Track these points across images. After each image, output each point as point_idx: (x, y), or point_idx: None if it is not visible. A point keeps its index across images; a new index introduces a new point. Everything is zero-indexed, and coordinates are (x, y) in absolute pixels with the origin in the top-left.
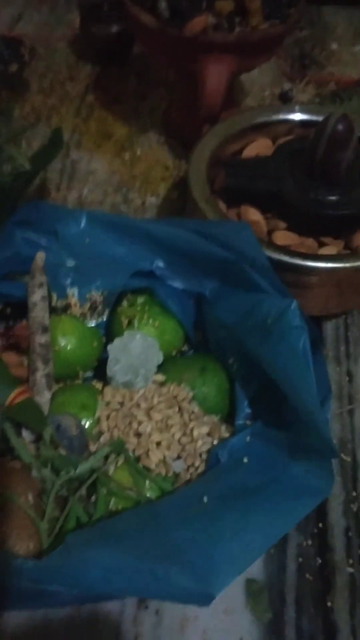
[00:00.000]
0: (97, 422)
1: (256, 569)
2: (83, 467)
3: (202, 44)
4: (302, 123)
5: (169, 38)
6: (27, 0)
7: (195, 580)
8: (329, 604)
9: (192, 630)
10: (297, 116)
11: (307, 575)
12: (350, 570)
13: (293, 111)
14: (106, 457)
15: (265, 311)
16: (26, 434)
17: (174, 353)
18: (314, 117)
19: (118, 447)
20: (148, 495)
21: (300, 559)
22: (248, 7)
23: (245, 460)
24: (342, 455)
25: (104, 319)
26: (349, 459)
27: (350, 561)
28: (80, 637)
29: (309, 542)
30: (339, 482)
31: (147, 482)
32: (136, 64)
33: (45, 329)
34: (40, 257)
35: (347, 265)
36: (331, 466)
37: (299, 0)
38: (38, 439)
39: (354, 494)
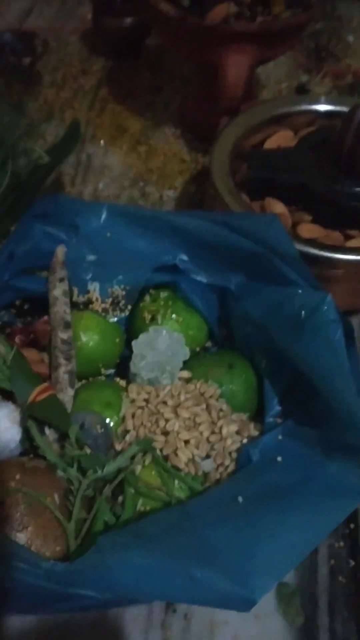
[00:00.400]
0: (122, 420)
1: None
2: (110, 467)
3: (223, 33)
4: (324, 114)
5: (189, 27)
6: None
7: (235, 584)
8: None
9: (222, 635)
10: (320, 107)
11: (340, 578)
12: None
13: (315, 102)
14: (133, 456)
15: (298, 305)
16: (49, 432)
17: (197, 349)
18: (336, 108)
19: (146, 446)
20: (177, 495)
21: (332, 561)
22: None
23: (280, 459)
24: None
25: (126, 315)
26: None
27: None
28: None
29: (341, 543)
30: None
31: (176, 481)
32: (150, 57)
33: (67, 325)
34: (61, 250)
35: None
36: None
37: None
38: (61, 437)
39: None
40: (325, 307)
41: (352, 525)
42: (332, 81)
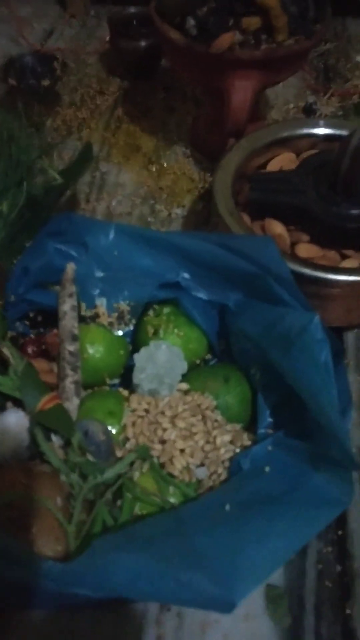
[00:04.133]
0: (123, 428)
1: (276, 575)
2: (110, 473)
3: (229, 60)
4: (325, 137)
5: (196, 55)
6: (59, 15)
7: (218, 587)
8: (347, 611)
9: (213, 634)
10: (321, 130)
11: (327, 582)
12: None
13: (316, 125)
14: (132, 463)
15: (288, 324)
16: (55, 439)
17: (197, 361)
18: (337, 132)
19: (143, 454)
20: (172, 500)
21: (320, 566)
22: (274, 24)
23: (267, 469)
24: None
25: (131, 328)
26: None
27: None
28: (105, 637)
29: (329, 549)
30: (358, 490)
31: (171, 488)
32: (164, 78)
33: (74, 338)
34: (71, 268)
35: None
36: (351, 477)
37: (325, 16)
38: (67, 443)
39: None
40: (313, 328)
41: (340, 532)
42: (339, 101)
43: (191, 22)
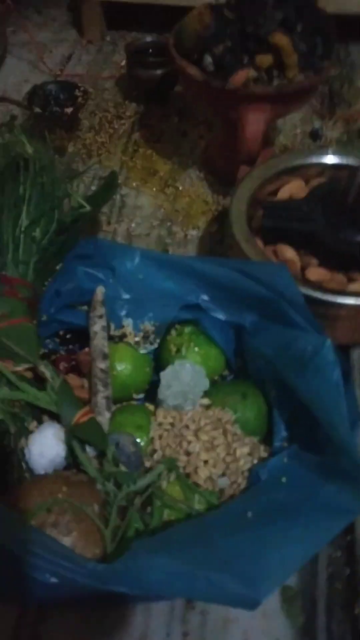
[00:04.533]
0: (151, 441)
1: (291, 577)
2: (141, 482)
3: (244, 95)
4: (333, 165)
5: (213, 89)
6: (76, 40)
7: (244, 587)
8: (356, 610)
9: (234, 631)
10: (329, 159)
11: (337, 584)
12: None
13: (325, 154)
14: (160, 473)
15: (302, 346)
16: (89, 450)
17: (216, 377)
18: (344, 161)
19: (170, 465)
20: (197, 508)
21: (331, 569)
22: (285, 61)
23: (284, 479)
24: None
25: (155, 347)
26: None
27: None
28: (133, 633)
29: (339, 553)
30: None
31: (196, 496)
32: (177, 103)
33: (105, 356)
34: (101, 291)
35: None
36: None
37: (332, 53)
38: (100, 455)
39: None
40: (325, 350)
41: (349, 537)
42: (344, 126)
43: (209, 59)
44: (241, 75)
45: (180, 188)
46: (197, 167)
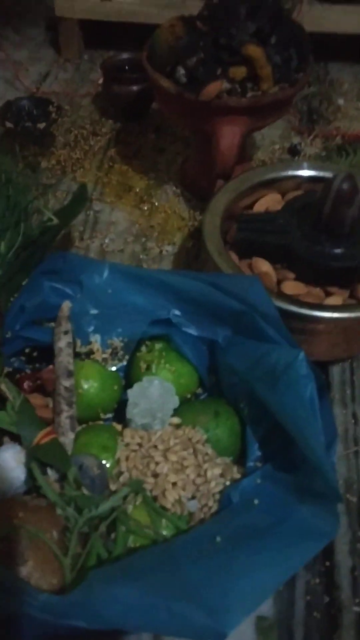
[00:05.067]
0: (117, 462)
1: (266, 606)
2: (104, 506)
3: (217, 107)
4: (309, 179)
5: (186, 101)
6: (54, 59)
7: (209, 618)
8: None
9: None
10: (305, 172)
11: (315, 613)
12: (357, 609)
13: (301, 167)
14: (125, 496)
15: (274, 360)
16: (51, 473)
17: (189, 396)
18: (320, 173)
19: (137, 487)
20: (164, 533)
21: (309, 597)
22: (259, 73)
23: (256, 502)
24: (348, 495)
25: (124, 364)
26: (354, 499)
27: (357, 600)
28: None
29: (317, 580)
30: (345, 521)
31: (164, 520)
32: (154, 119)
33: (70, 374)
34: (67, 306)
35: (352, 315)
36: (336, 510)
37: (307, 65)
38: (62, 478)
39: None
40: (298, 364)
41: (327, 563)
42: (322, 143)
43: (181, 71)
44: (214, 87)
45: (157, 204)
46: (174, 182)
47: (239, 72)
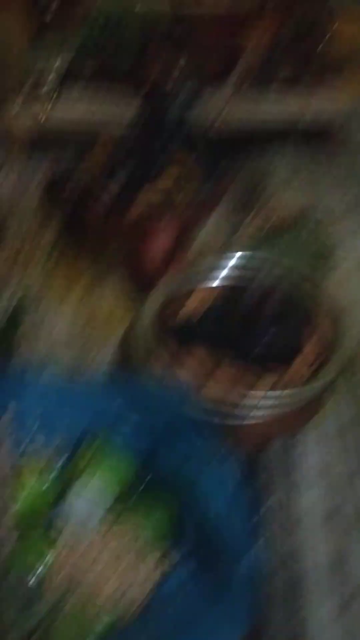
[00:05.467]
0: (51, 565)
1: None
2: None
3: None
4: (237, 267)
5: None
6: None
7: None
8: None
9: None
10: (239, 260)
11: None
12: None
13: (230, 259)
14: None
15: (201, 455)
16: None
17: (125, 489)
18: (249, 264)
19: (70, 588)
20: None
21: None
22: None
23: (179, 600)
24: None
25: (61, 467)
26: None
27: None
28: None
29: None
30: None
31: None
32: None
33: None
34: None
35: (281, 407)
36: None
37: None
38: None
39: None
40: (224, 462)
41: None
42: (259, 224)
43: (106, 196)
44: (136, 210)
45: (100, 302)
46: (117, 278)
47: (171, 174)
